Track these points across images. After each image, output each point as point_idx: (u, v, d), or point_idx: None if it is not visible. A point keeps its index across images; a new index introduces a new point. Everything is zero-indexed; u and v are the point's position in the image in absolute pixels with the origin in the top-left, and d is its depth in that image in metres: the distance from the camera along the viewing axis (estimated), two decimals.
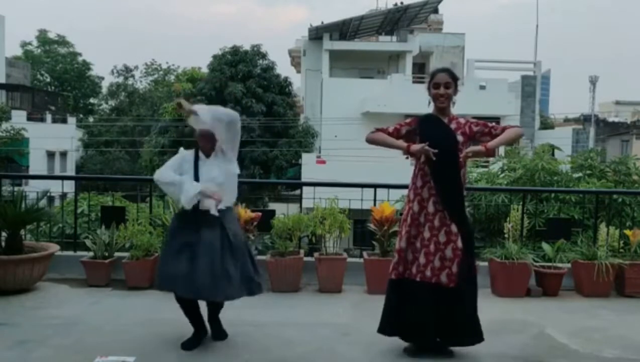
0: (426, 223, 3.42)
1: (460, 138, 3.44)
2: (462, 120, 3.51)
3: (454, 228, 3.37)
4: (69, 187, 10.38)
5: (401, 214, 3.61)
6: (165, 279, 3.45)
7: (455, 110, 3.50)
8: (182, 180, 3.51)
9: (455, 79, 3.51)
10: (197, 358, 3.36)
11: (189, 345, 3.50)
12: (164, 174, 3.59)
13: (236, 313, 3.84)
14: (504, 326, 4.19)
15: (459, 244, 3.36)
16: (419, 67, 26.62)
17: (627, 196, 7.88)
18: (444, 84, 3.45)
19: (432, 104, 3.53)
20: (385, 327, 3.54)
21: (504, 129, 3.40)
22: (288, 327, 4.00)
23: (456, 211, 3.41)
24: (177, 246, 3.46)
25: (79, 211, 6.80)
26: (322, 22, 25.36)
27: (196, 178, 3.53)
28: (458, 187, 3.44)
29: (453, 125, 3.48)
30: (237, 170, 3.72)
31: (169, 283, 3.42)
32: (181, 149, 3.77)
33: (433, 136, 3.42)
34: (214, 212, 3.47)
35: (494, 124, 3.48)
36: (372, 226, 5.25)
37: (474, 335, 3.46)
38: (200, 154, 3.63)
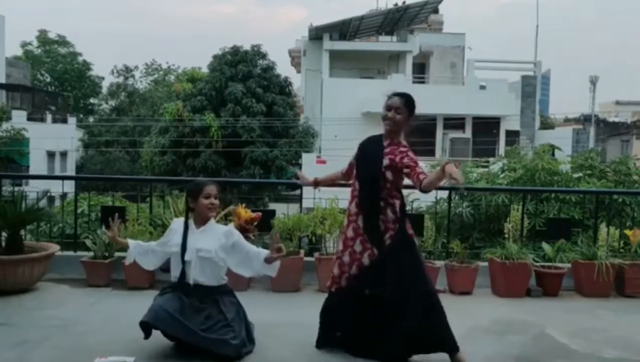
0: (365, 251, 3.41)
1: (385, 162, 3.35)
2: (402, 148, 3.39)
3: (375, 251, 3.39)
4: (69, 187, 10.35)
5: None
6: (149, 310, 3.34)
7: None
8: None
9: (410, 107, 3.42)
10: (197, 358, 3.35)
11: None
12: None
13: None
14: (504, 326, 4.20)
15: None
16: (419, 68, 26.64)
17: (627, 196, 7.88)
18: (394, 109, 3.39)
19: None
20: None
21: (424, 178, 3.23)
22: (288, 327, 3.99)
23: (375, 236, 3.38)
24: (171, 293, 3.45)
25: (79, 211, 6.79)
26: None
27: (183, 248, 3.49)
28: (377, 212, 3.38)
29: (387, 150, 3.40)
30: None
31: (148, 312, 3.32)
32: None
33: (361, 157, 3.50)
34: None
35: (421, 170, 3.32)
36: None
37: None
38: (191, 224, 3.59)
